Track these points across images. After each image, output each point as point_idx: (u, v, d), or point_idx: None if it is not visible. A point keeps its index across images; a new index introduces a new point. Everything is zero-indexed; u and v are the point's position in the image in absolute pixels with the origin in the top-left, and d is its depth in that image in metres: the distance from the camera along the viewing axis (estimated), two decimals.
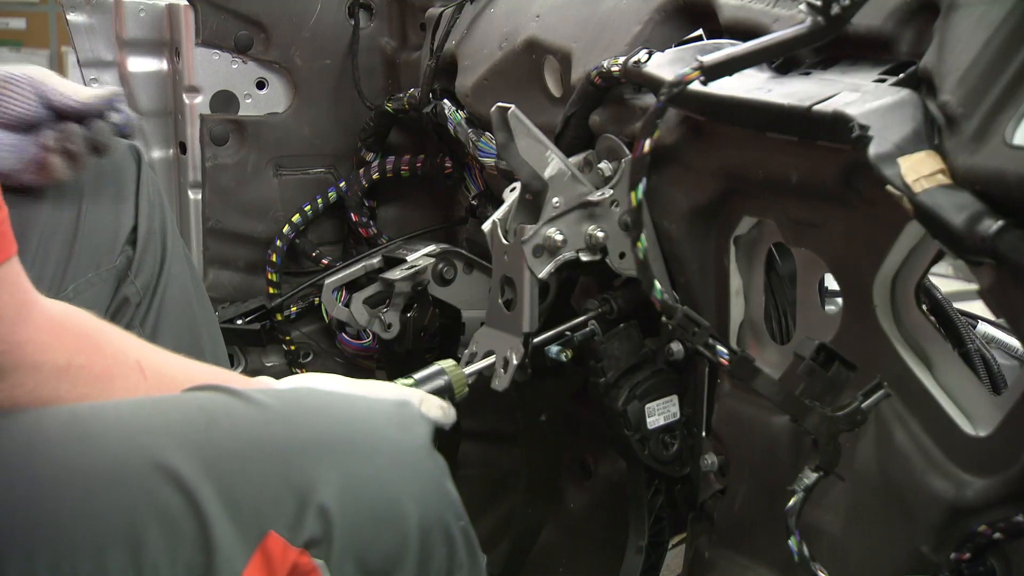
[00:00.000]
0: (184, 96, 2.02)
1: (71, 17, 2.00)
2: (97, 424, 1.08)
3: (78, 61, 2.03)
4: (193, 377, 1.18)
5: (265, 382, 1.26)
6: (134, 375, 1.12)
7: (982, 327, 1.57)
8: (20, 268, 1.02)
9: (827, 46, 1.19)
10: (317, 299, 1.98)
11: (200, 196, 2.05)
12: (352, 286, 1.90)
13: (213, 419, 1.08)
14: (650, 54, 1.37)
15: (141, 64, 2.03)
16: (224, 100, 2.04)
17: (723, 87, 1.23)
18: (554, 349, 1.44)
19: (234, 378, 1.27)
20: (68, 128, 1.39)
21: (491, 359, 1.47)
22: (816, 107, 1.11)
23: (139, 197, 1.58)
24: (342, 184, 2.09)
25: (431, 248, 1.84)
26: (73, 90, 1.40)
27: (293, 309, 2.07)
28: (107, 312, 1.55)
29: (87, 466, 1.04)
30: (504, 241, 1.45)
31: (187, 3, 1.99)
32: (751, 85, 1.22)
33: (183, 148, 2.03)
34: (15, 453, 1.05)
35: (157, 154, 2.04)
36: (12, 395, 1.03)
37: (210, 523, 1.01)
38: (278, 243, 2.08)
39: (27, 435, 1.06)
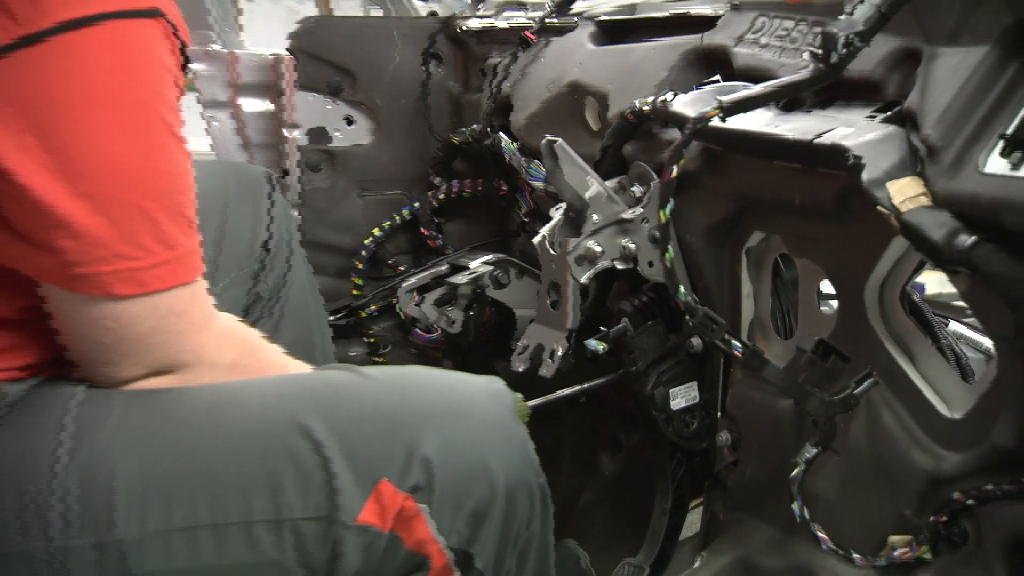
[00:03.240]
0: (285, 131, 2.05)
1: (195, 66, 2.03)
2: (244, 393, 1.11)
3: (200, 103, 2.06)
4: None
5: None
6: (281, 373, 1.18)
7: (952, 325, 1.56)
8: (205, 284, 1.09)
9: (826, 88, 1.19)
10: (394, 299, 1.99)
11: (298, 214, 2.07)
12: (423, 289, 1.91)
13: (337, 390, 1.11)
14: (675, 95, 1.38)
15: (251, 104, 2.07)
16: (318, 134, 2.06)
17: (738, 123, 1.23)
18: (592, 342, 1.44)
19: None
20: None
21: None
22: (817, 140, 1.12)
23: (272, 213, 1.64)
24: (415, 204, 2.11)
25: (489, 257, 1.85)
26: None
27: (374, 308, 2.08)
28: (244, 305, 1.61)
29: (236, 426, 1.07)
30: (551, 252, 1.45)
31: (289, 55, 2.02)
32: (761, 121, 1.23)
33: (284, 174, 2.05)
34: (177, 417, 1.08)
35: None
36: None
37: (335, 472, 1.03)
38: (362, 253, 2.10)
39: (186, 403, 1.09)
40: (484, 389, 1.16)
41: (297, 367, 1.25)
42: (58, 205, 0.97)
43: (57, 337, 1.07)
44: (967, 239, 0.98)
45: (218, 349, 1.11)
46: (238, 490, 1.03)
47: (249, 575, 1.05)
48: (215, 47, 2.05)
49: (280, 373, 1.20)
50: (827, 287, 1.36)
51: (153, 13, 1.02)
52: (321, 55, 2.03)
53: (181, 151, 1.05)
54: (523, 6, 2.05)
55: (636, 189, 1.43)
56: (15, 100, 0.97)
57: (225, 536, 1.03)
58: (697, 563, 1.40)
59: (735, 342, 1.32)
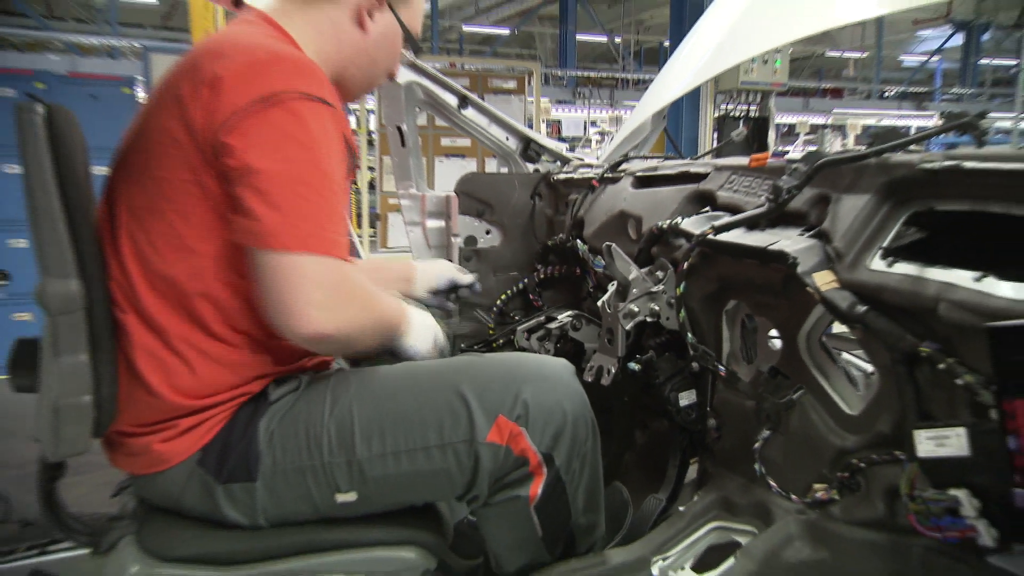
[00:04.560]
0: (451, 238, 2.09)
1: (403, 202, 2.09)
2: (421, 370, 1.15)
3: (404, 222, 2.10)
4: (390, 302, 1.14)
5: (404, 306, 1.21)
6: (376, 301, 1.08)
7: (844, 355, 1.51)
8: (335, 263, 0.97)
9: (774, 217, 1.21)
10: (513, 337, 1.99)
11: None
12: (530, 330, 1.91)
13: (473, 366, 1.14)
14: (683, 219, 1.40)
15: (432, 223, 2.11)
16: (470, 240, 2.09)
17: (722, 237, 1.25)
18: (632, 364, 1.45)
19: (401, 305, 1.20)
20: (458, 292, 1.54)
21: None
22: (770, 247, 1.14)
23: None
24: (525, 280, 2.11)
25: (569, 312, 1.85)
26: (459, 272, 1.54)
27: (501, 341, 2.06)
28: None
29: (418, 391, 1.10)
30: (608, 311, 1.47)
31: (455, 194, 2.06)
32: (736, 235, 1.25)
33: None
34: (385, 388, 1.12)
35: None
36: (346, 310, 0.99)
37: (473, 414, 1.07)
38: (493, 309, 2.11)
39: (389, 379, 1.13)
40: (558, 363, 1.19)
41: (382, 296, 1.11)
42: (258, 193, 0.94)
43: (262, 310, 0.98)
44: (862, 308, 1.00)
45: (333, 308, 0.97)
46: (421, 429, 1.07)
47: (430, 477, 1.08)
48: (413, 191, 2.10)
49: (390, 313, 1.11)
50: (775, 334, 1.36)
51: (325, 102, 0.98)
52: (473, 194, 2.07)
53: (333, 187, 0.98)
54: (590, 166, 2.09)
55: (659, 274, 1.44)
56: (252, 143, 0.95)
57: (415, 456, 1.07)
58: (695, 498, 1.39)
59: (720, 366, 1.35)
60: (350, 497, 1.07)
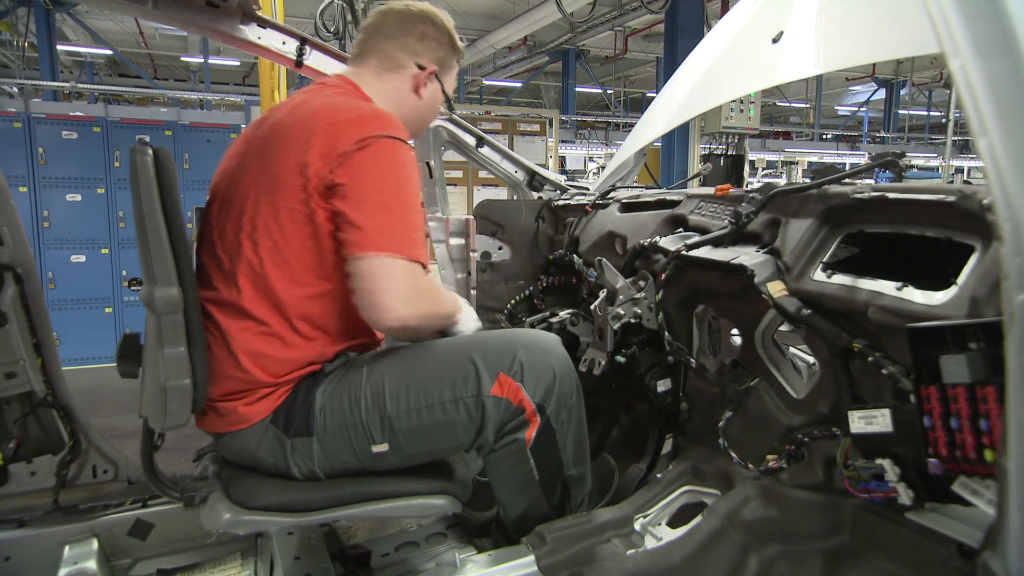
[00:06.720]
0: (470, 253, 2.07)
1: (430, 224, 2.05)
2: (440, 344, 1.15)
3: (431, 240, 2.06)
4: (451, 296, 1.18)
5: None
6: (441, 295, 1.14)
7: (792, 349, 1.51)
8: (418, 268, 1.02)
9: (735, 237, 1.22)
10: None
11: (475, 292, 2.08)
12: (535, 323, 1.82)
13: (480, 337, 1.17)
14: (660, 238, 1.40)
15: (455, 240, 2.08)
16: (485, 255, 2.09)
17: (693, 252, 1.26)
18: (618, 357, 1.44)
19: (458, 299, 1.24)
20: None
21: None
22: (732, 261, 1.15)
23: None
24: (531, 288, 2.09)
25: (569, 310, 1.79)
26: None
27: None
28: None
29: (436, 358, 1.11)
30: (599, 313, 1.47)
31: (472, 217, 2.05)
32: (704, 251, 1.25)
33: (469, 274, 2.08)
34: (408, 358, 1.12)
35: (460, 275, 2.07)
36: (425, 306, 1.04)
37: (480, 373, 1.08)
38: (504, 311, 2.08)
39: (413, 353, 1.13)
40: (547, 335, 1.21)
41: (444, 294, 1.17)
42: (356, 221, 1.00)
43: (356, 307, 1.03)
44: (806, 311, 1.01)
45: (411, 301, 1.02)
46: (438, 387, 1.08)
47: (447, 427, 1.09)
48: (439, 214, 2.08)
49: (450, 305, 1.15)
50: (736, 332, 1.36)
51: (406, 142, 1.06)
52: (488, 217, 2.06)
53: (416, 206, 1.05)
54: (584, 194, 2.08)
55: (641, 283, 1.43)
56: (353, 175, 1.02)
57: (432, 409, 1.07)
58: (670, 467, 1.39)
59: (691, 359, 1.35)
60: (383, 448, 1.08)
